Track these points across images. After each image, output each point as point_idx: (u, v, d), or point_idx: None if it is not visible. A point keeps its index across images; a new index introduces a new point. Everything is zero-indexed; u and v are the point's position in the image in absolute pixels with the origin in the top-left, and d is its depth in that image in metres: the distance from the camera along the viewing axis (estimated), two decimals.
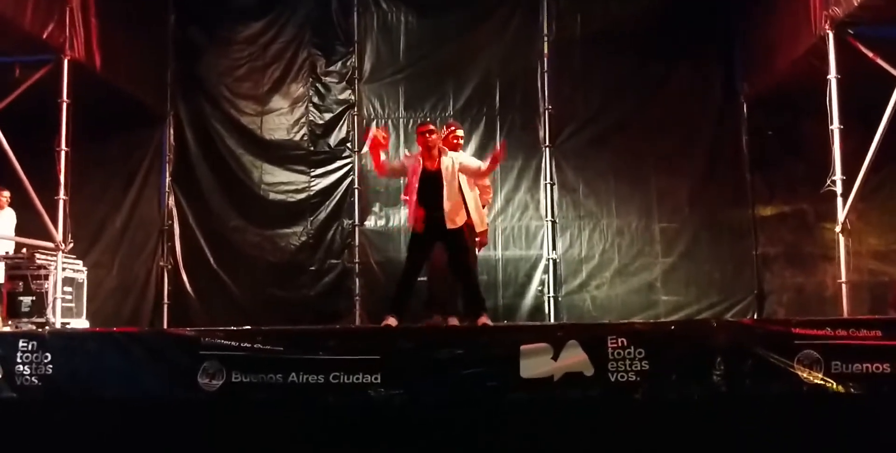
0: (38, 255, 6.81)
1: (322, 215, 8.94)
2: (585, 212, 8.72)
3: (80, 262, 7.45)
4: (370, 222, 8.93)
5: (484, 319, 5.53)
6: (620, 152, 8.59)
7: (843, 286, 6.31)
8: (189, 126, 9.15)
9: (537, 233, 8.76)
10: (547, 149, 8.79)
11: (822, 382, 4.64)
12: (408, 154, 6.00)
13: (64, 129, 6.99)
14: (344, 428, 4.92)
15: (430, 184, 5.60)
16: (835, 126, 6.49)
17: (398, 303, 5.66)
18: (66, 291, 6.96)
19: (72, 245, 7.04)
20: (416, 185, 5.62)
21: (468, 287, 5.70)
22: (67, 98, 7.00)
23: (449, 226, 5.58)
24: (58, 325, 6.62)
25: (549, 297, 8.59)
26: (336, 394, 4.85)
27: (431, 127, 5.70)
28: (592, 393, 4.73)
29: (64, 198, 6.95)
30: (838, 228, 6.40)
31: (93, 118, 7.55)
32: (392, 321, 5.54)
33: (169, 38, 9.18)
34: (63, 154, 6.98)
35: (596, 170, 8.68)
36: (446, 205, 5.57)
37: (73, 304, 7.09)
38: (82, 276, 7.34)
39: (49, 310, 6.66)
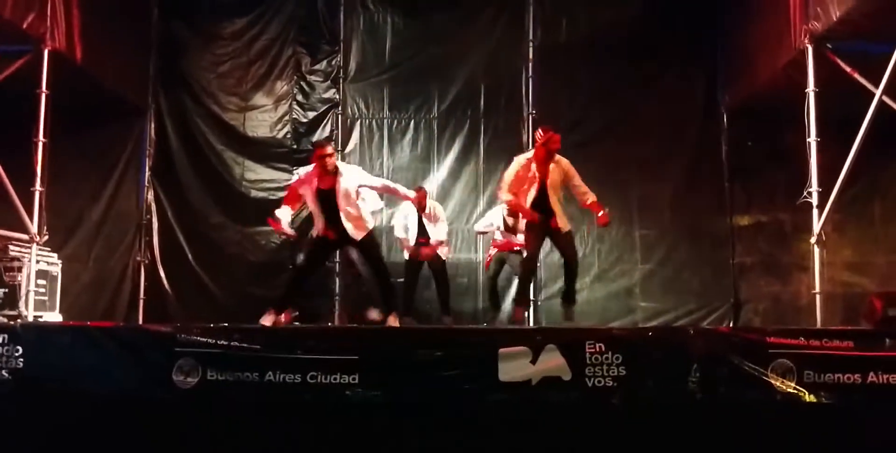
0: (11, 247, 6.74)
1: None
2: (567, 218, 8.72)
3: (55, 255, 7.36)
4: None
5: (392, 320, 5.82)
6: (602, 158, 8.64)
7: (818, 296, 6.41)
8: (170, 120, 9.08)
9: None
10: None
11: (794, 391, 4.70)
12: (301, 176, 6.16)
13: (42, 120, 6.91)
14: (320, 428, 4.89)
15: (326, 201, 5.80)
16: (812, 138, 6.59)
17: (285, 301, 5.87)
18: (40, 284, 6.89)
19: (47, 237, 6.96)
20: (315, 202, 5.84)
21: (386, 288, 6.05)
22: (47, 89, 6.92)
23: (357, 237, 5.82)
24: (30, 318, 6.53)
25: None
26: (313, 394, 4.82)
27: (329, 150, 5.81)
28: (570, 397, 4.75)
29: (40, 189, 6.87)
30: (813, 239, 6.50)
31: (72, 110, 7.47)
32: (269, 320, 5.63)
33: (152, 32, 9.12)
34: (40, 145, 6.90)
35: (578, 174, 8.71)
36: (345, 220, 5.76)
37: (46, 297, 7.01)
38: (57, 269, 7.25)
39: (21, 303, 6.60)
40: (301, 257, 6.12)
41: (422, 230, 7.50)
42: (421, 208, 7.48)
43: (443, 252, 7.58)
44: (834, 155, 6.52)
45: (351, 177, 5.86)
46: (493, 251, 7.68)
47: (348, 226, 5.77)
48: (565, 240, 6.23)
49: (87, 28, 7.52)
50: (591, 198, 6.15)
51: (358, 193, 5.89)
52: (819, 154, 6.56)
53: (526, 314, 6.08)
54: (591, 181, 8.59)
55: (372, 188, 6.12)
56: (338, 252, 8.75)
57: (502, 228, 7.56)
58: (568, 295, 6.45)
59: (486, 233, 7.91)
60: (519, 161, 6.15)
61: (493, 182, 8.87)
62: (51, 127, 6.97)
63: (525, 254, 6.50)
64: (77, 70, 7.49)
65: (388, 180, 6.63)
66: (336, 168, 5.79)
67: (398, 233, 7.68)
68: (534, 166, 6.04)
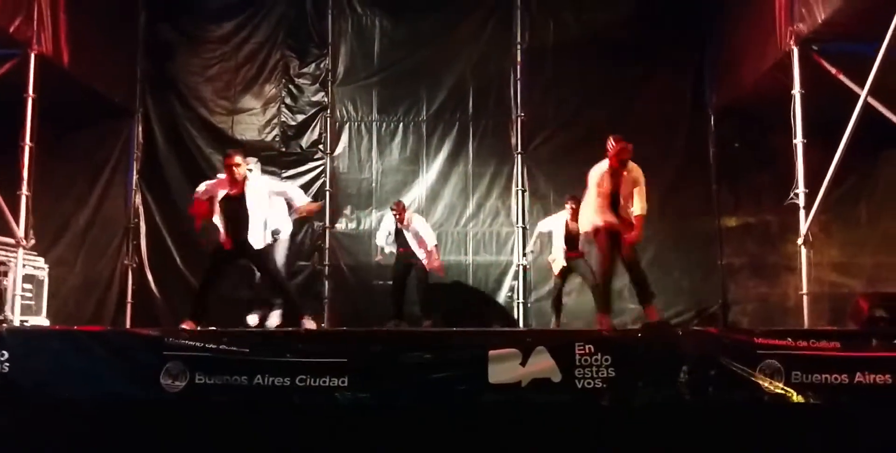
0: None
1: (292, 217, 8.86)
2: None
3: (42, 259, 7.30)
4: (341, 225, 8.90)
5: (307, 322, 5.92)
6: (591, 160, 8.59)
7: (805, 297, 6.44)
8: (158, 124, 9.04)
9: (508, 240, 8.81)
10: (519, 155, 8.85)
11: (782, 392, 4.73)
12: (209, 183, 6.22)
13: (29, 124, 6.86)
14: (310, 431, 4.88)
15: (233, 208, 5.92)
16: (798, 140, 6.62)
17: (197, 309, 5.90)
18: (26, 288, 6.84)
19: (33, 241, 6.91)
20: (222, 208, 5.97)
21: (285, 296, 6.33)
22: (34, 93, 6.88)
23: (255, 246, 5.91)
24: (16, 323, 6.47)
25: (518, 303, 8.63)
26: (302, 397, 4.81)
27: (237, 160, 5.92)
28: (559, 398, 4.76)
29: (26, 193, 6.83)
30: (800, 240, 6.53)
31: (59, 113, 7.43)
32: (189, 325, 5.65)
33: (139, 36, 9.08)
34: (27, 149, 6.85)
35: (567, 177, 8.72)
36: (251, 228, 5.88)
37: (32, 302, 6.96)
38: (43, 273, 7.20)
39: (7, 307, 6.54)
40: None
41: (401, 240, 7.71)
42: (400, 220, 7.70)
43: (434, 262, 7.79)
44: (820, 156, 6.55)
45: (260, 184, 6.08)
46: (553, 262, 7.68)
47: (252, 235, 5.87)
48: (629, 250, 6.02)
49: (73, 32, 7.48)
50: (637, 211, 5.95)
51: (270, 202, 6.07)
52: (805, 155, 6.59)
53: (608, 321, 5.86)
54: (579, 183, 8.71)
55: (278, 194, 6.26)
56: (327, 256, 8.78)
57: (562, 233, 7.58)
58: (643, 295, 6.13)
59: (544, 234, 7.88)
60: (594, 177, 6.04)
61: (482, 184, 8.91)
62: (38, 131, 6.92)
63: (599, 261, 6.14)
64: (64, 74, 7.45)
65: (294, 188, 6.60)
66: (244, 177, 5.94)
67: (378, 240, 7.89)
68: (606, 177, 5.98)
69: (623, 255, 6.04)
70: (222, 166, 6.08)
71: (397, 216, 7.75)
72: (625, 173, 5.97)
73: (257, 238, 5.92)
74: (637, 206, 5.93)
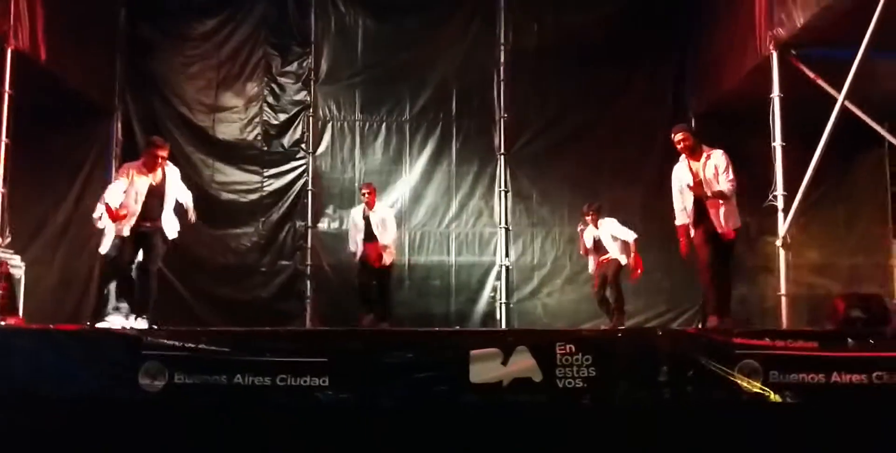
0: None
1: (274, 216, 8.84)
2: (538, 220, 8.82)
3: (18, 257, 7.20)
4: (323, 224, 8.88)
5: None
6: (574, 161, 8.72)
7: (783, 298, 6.51)
8: (138, 122, 8.96)
9: (491, 240, 8.83)
10: (502, 156, 8.88)
11: (760, 391, 4.78)
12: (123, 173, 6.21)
13: (5, 121, 6.79)
14: (291, 431, 4.85)
15: (154, 197, 6.03)
16: (777, 143, 6.70)
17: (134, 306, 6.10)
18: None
19: (10, 239, 6.82)
20: (137, 196, 5.99)
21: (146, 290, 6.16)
22: (10, 89, 6.80)
23: (150, 237, 6.04)
24: None
25: (501, 303, 8.66)
26: (283, 397, 4.78)
27: (165, 153, 6.08)
28: (540, 398, 4.77)
29: (2, 191, 6.76)
30: (779, 242, 6.60)
31: (37, 110, 7.35)
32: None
33: (119, 33, 8.99)
34: (3, 146, 6.78)
35: (550, 178, 8.79)
36: (164, 218, 6.04)
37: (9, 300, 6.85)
38: (20, 272, 7.10)
39: None
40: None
41: (369, 232, 7.52)
42: (370, 204, 7.52)
43: (387, 257, 7.51)
44: (798, 159, 6.63)
45: (176, 177, 6.19)
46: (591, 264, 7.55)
47: (166, 224, 6.02)
48: (725, 246, 5.72)
49: (51, 28, 7.39)
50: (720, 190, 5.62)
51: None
52: (784, 158, 6.67)
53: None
54: (562, 184, 8.77)
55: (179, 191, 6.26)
56: (309, 256, 8.74)
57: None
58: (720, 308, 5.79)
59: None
60: (675, 172, 5.94)
61: (465, 184, 8.92)
62: (15, 128, 6.85)
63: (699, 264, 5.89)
64: (41, 70, 7.35)
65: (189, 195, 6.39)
66: (164, 168, 6.09)
67: (351, 245, 7.70)
68: (685, 170, 5.85)
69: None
70: (149, 154, 6.04)
71: (367, 198, 7.52)
72: (702, 159, 5.76)
73: (171, 228, 6.07)
74: (718, 191, 5.66)
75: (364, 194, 7.60)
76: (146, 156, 6.04)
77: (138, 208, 5.95)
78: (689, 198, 5.85)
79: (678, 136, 5.87)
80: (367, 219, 7.53)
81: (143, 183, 5.97)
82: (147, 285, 6.07)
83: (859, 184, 8.42)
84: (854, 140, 6.98)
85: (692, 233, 5.89)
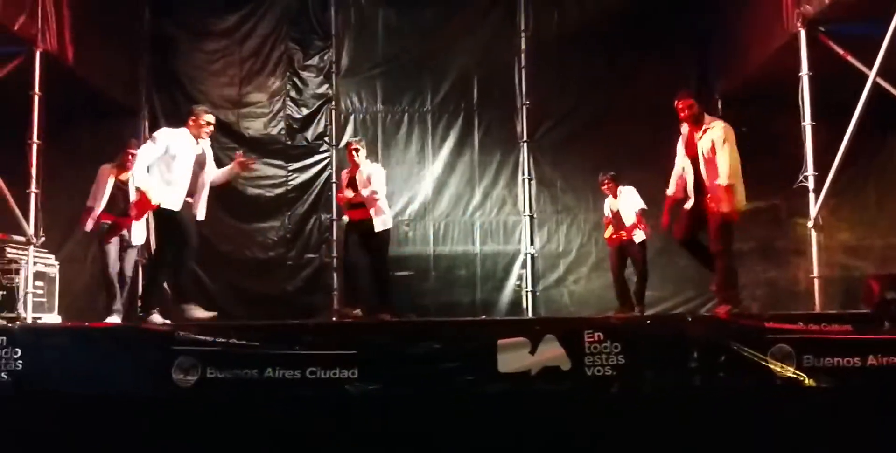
0: (8, 249, 6.73)
1: (300, 210, 8.90)
2: (563, 207, 8.78)
3: (53, 256, 7.36)
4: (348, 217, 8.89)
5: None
6: (597, 147, 8.63)
7: (816, 281, 6.41)
8: (164, 119, 9.01)
9: (515, 228, 8.81)
10: (525, 144, 8.84)
11: (794, 376, 4.71)
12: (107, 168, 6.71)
13: (36, 122, 6.88)
14: (321, 423, 4.89)
15: (124, 192, 6.42)
16: (807, 122, 6.58)
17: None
18: (38, 285, 6.89)
19: (43, 239, 6.94)
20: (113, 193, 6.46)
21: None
22: (39, 91, 6.89)
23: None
24: (29, 320, 6.52)
25: (526, 292, 8.64)
26: (313, 389, 4.82)
27: (134, 151, 6.18)
28: (569, 387, 4.75)
29: (35, 191, 6.86)
30: (810, 223, 6.49)
31: (66, 111, 7.46)
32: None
33: (143, 31, 9.09)
34: (35, 147, 6.88)
35: (573, 164, 8.72)
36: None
37: (44, 299, 7.02)
38: (54, 270, 7.25)
39: (20, 305, 6.59)
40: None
41: (353, 188, 6.69)
42: (350, 162, 6.79)
43: (377, 222, 6.51)
44: (829, 138, 6.50)
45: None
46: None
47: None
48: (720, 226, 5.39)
49: (78, 29, 7.49)
50: (720, 180, 5.31)
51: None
52: (814, 138, 6.54)
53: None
54: (586, 170, 8.69)
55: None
56: (334, 248, 8.78)
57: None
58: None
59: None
60: (680, 142, 5.67)
61: (489, 173, 8.89)
62: (45, 128, 6.94)
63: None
64: (69, 71, 7.46)
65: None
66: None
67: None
68: (686, 140, 5.59)
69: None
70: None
71: (354, 152, 6.64)
72: (702, 132, 5.47)
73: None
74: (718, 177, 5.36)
75: (353, 150, 6.71)
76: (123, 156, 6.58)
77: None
78: (690, 171, 5.65)
79: (681, 104, 5.62)
80: (353, 179, 6.73)
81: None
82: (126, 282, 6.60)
83: (891, 163, 8.22)
84: (885, 118, 6.80)
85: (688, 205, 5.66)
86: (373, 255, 6.65)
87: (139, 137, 8.97)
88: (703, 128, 5.58)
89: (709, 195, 5.55)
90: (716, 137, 5.47)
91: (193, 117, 5.91)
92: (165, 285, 6.13)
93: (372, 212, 6.54)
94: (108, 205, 6.62)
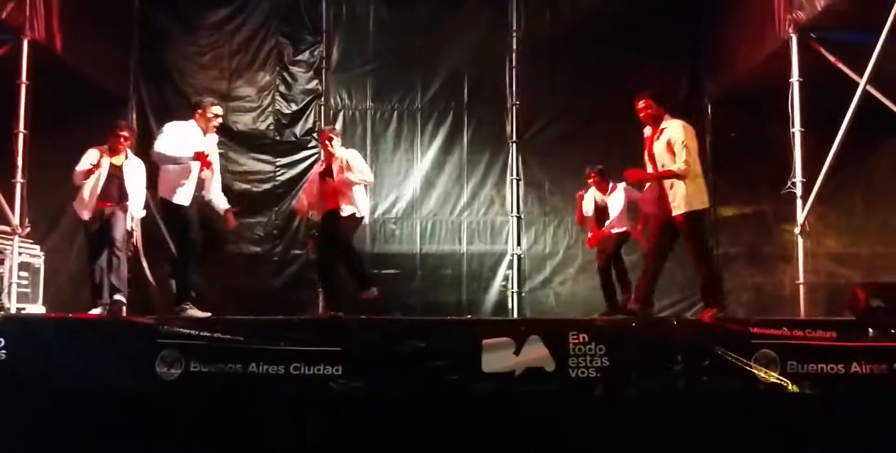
0: None
1: (287, 205, 8.84)
2: (551, 208, 8.78)
3: (38, 247, 7.29)
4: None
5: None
6: (587, 149, 8.62)
7: (801, 287, 6.43)
8: (152, 111, 8.96)
9: (502, 229, 8.80)
10: (514, 144, 8.83)
11: (777, 381, 4.73)
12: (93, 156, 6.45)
13: (22, 111, 6.82)
14: (304, 419, 4.87)
15: (112, 177, 6.33)
16: (796, 129, 6.60)
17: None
18: (22, 276, 6.85)
19: (29, 229, 6.88)
20: (101, 178, 6.30)
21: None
22: (27, 80, 6.83)
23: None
24: (13, 311, 6.47)
25: (512, 293, 8.63)
26: (297, 386, 4.80)
27: (126, 133, 6.49)
28: (553, 388, 4.75)
29: (21, 181, 6.81)
30: (797, 230, 6.52)
31: (53, 100, 7.37)
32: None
33: (133, 22, 9.00)
34: (21, 136, 6.82)
35: (562, 166, 8.71)
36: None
37: (29, 289, 6.96)
38: (39, 261, 7.20)
39: (4, 295, 6.55)
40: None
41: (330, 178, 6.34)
42: (326, 152, 6.45)
43: (346, 209, 6.19)
44: (817, 145, 6.53)
45: (137, 167, 6.50)
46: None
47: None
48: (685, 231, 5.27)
49: (66, 18, 7.42)
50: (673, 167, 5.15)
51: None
52: (803, 144, 6.57)
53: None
54: (574, 172, 8.70)
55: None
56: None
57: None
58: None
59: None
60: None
61: (477, 173, 8.88)
62: (32, 118, 6.88)
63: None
64: (57, 60, 7.39)
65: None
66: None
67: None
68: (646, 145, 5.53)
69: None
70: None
71: (328, 142, 6.34)
72: (659, 133, 5.38)
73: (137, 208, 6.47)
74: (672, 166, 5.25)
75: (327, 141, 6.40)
76: (111, 138, 6.40)
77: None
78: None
79: (640, 104, 5.47)
80: (328, 168, 6.36)
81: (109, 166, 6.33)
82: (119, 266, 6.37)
83: (879, 171, 8.28)
84: (875, 125, 6.84)
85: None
86: (338, 241, 6.24)
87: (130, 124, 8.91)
88: (661, 128, 5.48)
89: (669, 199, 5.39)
90: (672, 137, 5.35)
91: (200, 110, 5.90)
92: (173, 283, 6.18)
93: (343, 204, 6.18)
94: (102, 193, 6.31)
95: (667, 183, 5.39)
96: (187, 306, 5.65)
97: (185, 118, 8.62)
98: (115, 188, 6.33)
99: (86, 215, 6.28)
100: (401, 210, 8.84)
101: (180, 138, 5.70)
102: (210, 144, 5.89)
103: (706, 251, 5.67)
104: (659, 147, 5.44)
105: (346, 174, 6.18)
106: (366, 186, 6.50)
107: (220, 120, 5.95)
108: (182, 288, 5.81)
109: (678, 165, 5.29)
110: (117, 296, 6.23)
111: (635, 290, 5.87)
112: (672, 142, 5.33)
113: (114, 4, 8.65)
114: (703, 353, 4.79)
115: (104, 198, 6.31)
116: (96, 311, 6.24)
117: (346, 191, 6.23)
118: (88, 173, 6.26)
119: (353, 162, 6.29)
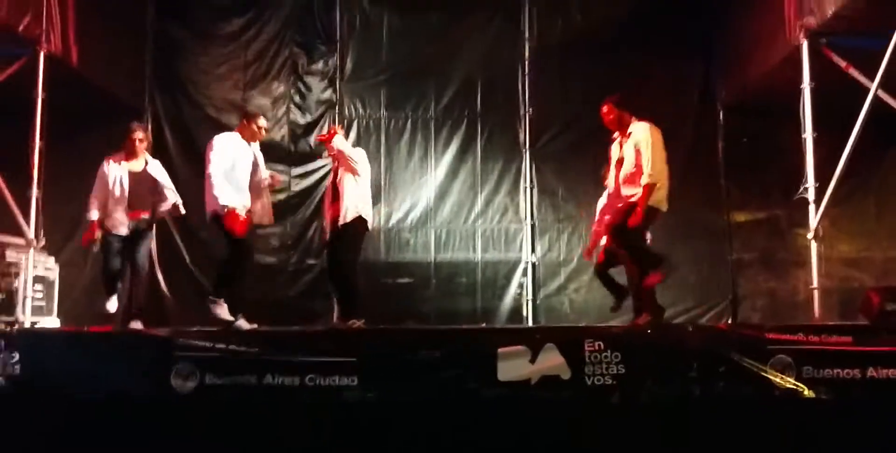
0: (8, 252, 6.70)
1: (302, 215, 8.89)
2: (565, 216, 8.77)
3: (52, 259, 7.33)
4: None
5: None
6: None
7: (815, 292, 6.41)
8: (167, 122, 9.04)
9: (516, 236, 8.79)
10: (527, 151, 8.83)
11: (793, 387, 4.73)
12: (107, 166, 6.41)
13: (38, 124, 6.87)
14: (320, 431, 4.88)
15: (138, 183, 6.30)
16: (808, 134, 6.59)
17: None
18: (37, 289, 6.87)
19: (44, 242, 6.93)
20: (125, 186, 6.18)
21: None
22: (43, 92, 6.89)
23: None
24: (27, 324, 6.51)
25: (527, 300, 8.61)
26: (312, 397, 4.82)
27: (141, 135, 6.40)
28: (569, 396, 4.76)
29: (37, 193, 6.85)
30: (811, 235, 6.50)
31: (69, 113, 7.43)
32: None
33: (148, 34, 9.06)
34: (37, 149, 6.87)
35: (575, 173, 8.71)
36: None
37: (43, 302, 6.99)
38: (54, 274, 7.23)
39: (18, 308, 6.57)
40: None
41: (334, 186, 6.35)
42: (328, 147, 6.40)
43: (350, 212, 6.02)
44: (830, 150, 6.52)
45: (159, 167, 6.48)
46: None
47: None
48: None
49: (82, 30, 7.49)
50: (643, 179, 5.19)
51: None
52: (815, 149, 6.56)
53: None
54: (588, 179, 8.70)
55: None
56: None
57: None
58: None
59: None
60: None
61: (491, 181, 8.89)
62: (48, 131, 6.94)
63: None
64: (73, 73, 7.46)
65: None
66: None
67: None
68: (615, 148, 5.57)
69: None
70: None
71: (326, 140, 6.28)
72: (626, 138, 5.45)
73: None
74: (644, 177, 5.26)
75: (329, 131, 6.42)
76: (127, 142, 6.35)
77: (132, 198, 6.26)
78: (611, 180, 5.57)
79: (603, 109, 5.55)
80: (335, 171, 6.30)
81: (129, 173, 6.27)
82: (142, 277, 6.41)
83: (892, 175, 8.25)
84: (886, 130, 6.83)
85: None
86: (342, 248, 6.04)
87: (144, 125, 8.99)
88: (627, 132, 5.52)
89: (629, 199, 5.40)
90: (638, 140, 5.39)
91: (245, 121, 6.05)
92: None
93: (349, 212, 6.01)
94: (131, 201, 6.19)
95: (632, 193, 5.44)
96: (217, 302, 5.68)
97: (200, 129, 8.91)
98: (146, 193, 6.31)
99: (123, 231, 6.18)
100: (415, 218, 8.86)
101: (229, 157, 5.89)
102: (256, 152, 6.11)
103: (642, 247, 5.72)
104: (628, 150, 5.48)
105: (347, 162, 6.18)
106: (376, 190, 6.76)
107: (265, 132, 6.05)
108: (219, 284, 5.91)
109: (645, 174, 5.35)
110: (134, 324, 6.18)
111: (633, 306, 5.84)
112: (639, 143, 5.39)
113: (128, 16, 8.73)
114: (719, 359, 4.80)
115: (138, 207, 6.26)
116: (112, 305, 6.25)
117: (349, 191, 6.13)
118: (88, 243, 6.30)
119: (353, 155, 6.28)
